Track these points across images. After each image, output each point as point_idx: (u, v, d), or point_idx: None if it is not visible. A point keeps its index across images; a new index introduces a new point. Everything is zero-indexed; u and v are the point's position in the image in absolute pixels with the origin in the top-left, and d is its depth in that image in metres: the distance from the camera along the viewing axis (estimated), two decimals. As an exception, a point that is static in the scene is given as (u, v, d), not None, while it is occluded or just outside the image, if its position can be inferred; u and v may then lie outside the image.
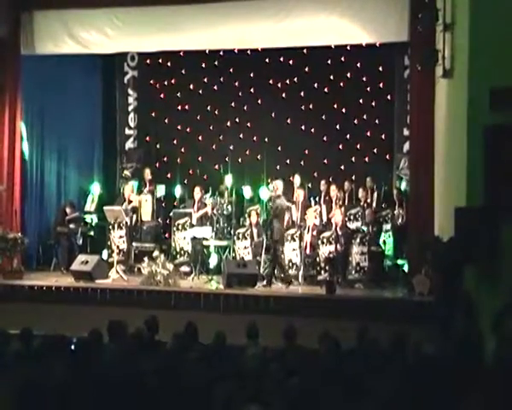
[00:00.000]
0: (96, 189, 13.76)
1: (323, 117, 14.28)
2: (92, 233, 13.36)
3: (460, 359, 4.87)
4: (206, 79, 14.76)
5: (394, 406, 4.28)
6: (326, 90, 14.24)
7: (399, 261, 11.73)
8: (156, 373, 4.97)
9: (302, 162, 14.24)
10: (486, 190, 8.37)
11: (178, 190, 13.68)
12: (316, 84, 14.24)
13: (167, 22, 12.01)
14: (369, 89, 14.08)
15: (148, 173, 13.71)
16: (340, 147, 14.28)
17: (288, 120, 14.40)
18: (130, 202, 13.00)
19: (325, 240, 11.76)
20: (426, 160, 10.76)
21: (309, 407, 4.17)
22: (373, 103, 14.07)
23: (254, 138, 14.62)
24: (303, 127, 14.32)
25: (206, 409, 4.38)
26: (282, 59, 14.20)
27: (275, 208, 11.64)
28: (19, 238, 12.20)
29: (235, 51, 13.30)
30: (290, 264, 11.85)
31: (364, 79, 14.05)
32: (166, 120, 15.09)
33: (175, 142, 15.06)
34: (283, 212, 11.76)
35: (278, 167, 14.22)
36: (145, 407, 4.61)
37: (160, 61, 14.76)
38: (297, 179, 13.07)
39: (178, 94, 15.00)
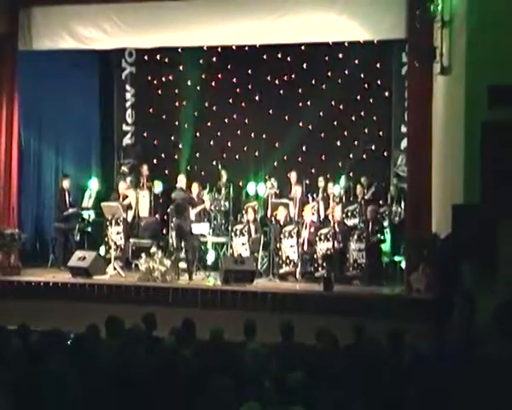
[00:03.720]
0: (94, 184, 13.75)
1: (321, 114, 14.27)
2: (89, 229, 13.36)
3: (458, 356, 4.88)
4: (203, 76, 14.74)
5: (390, 404, 4.29)
6: (324, 86, 14.23)
7: (397, 258, 11.74)
8: (153, 369, 4.98)
9: (299, 159, 14.24)
10: (484, 188, 8.37)
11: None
12: (313, 81, 14.23)
13: (165, 18, 11.99)
14: (366, 86, 14.08)
15: (145, 169, 13.74)
16: (338, 143, 14.28)
17: (286, 117, 14.39)
18: (124, 197, 12.99)
19: (323, 237, 11.77)
20: (423, 157, 10.76)
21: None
22: (370, 100, 14.07)
23: (252, 135, 14.61)
24: (300, 124, 14.31)
25: (202, 405, 4.39)
26: (279, 55, 14.20)
27: (175, 205, 11.66)
28: (16, 234, 12.19)
29: (233, 48, 13.31)
30: (288, 260, 11.86)
31: (362, 75, 14.05)
32: (164, 116, 15.07)
33: (172, 138, 15.05)
34: (184, 207, 11.71)
35: (276, 164, 14.23)
36: (142, 403, 4.61)
37: (158, 57, 14.75)
38: (294, 176, 13.09)
39: (176, 90, 14.98)
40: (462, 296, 6.92)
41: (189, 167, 14.49)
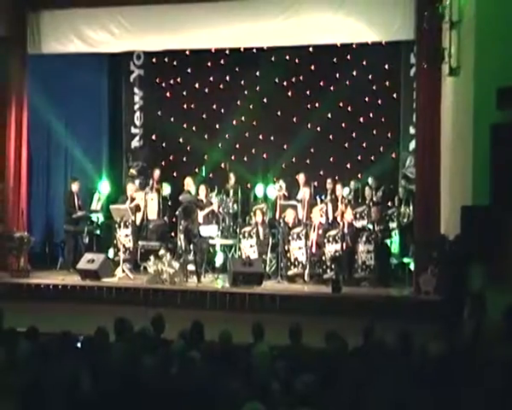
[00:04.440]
0: (104, 187, 13.73)
1: (329, 115, 14.26)
2: (98, 232, 13.38)
3: (468, 358, 4.87)
4: (211, 78, 14.77)
5: (400, 405, 4.27)
6: (332, 88, 14.21)
7: (405, 260, 11.72)
8: (162, 371, 4.98)
9: (308, 161, 14.23)
10: (493, 189, 8.35)
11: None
12: (321, 83, 14.23)
13: (173, 21, 12.02)
14: (374, 87, 14.06)
15: (157, 173, 13.74)
16: (346, 145, 14.26)
17: (294, 119, 14.39)
18: (132, 200, 13.03)
19: (331, 238, 11.76)
20: (432, 158, 10.74)
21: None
22: (379, 102, 14.05)
23: (260, 137, 14.61)
24: (309, 126, 14.30)
25: (211, 408, 4.39)
26: (287, 57, 14.20)
27: (183, 208, 11.68)
28: (25, 237, 12.24)
29: (241, 50, 13.31)
30: (296, 262, 11.85)
31: (370, 77, 14.03)
32: (172, 119, 15.09)
33: (181, 140, 15.07)
34: (192, 210, 11.71)
35: (284, 166, 14.23)
36: (151, 405, 4.62)
37: (166, 59, 14.76)
38: (302, 178, 13.09)
39: (184, 93, 15.01)
40: (472, 298, 6.90)
41: (197, 170, 14.49)
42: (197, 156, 14.74)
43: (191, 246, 11.86)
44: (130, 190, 13.13)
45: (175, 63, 14.87)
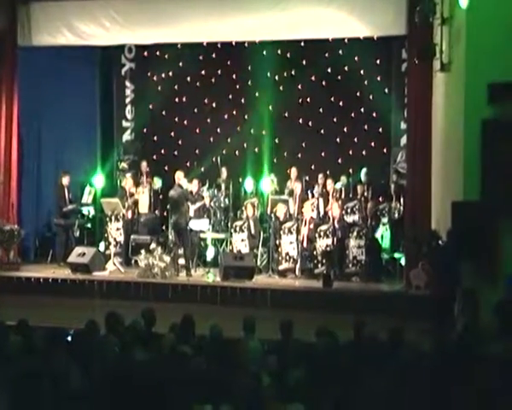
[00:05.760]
0: (98, 181, 13.62)
1: (321, 110, 14.26)
2: (89, 225, 13.35)
3: (458, 353, 4.88)
4: (203, 72, 14.73)
5: (390, 400, 4.29)
6: (323, 83, 14.22)
7: (396, 255, 11.75)
8: (153, 365, 4.98)
9: (299, 155, 14.23)
10: (483, 185, 8.38)
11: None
12: (313, 77, 14.21)
13: (165, 14, 11.99)
14: (366, 82, 14.04)
15: (144, 166, 13.72)
16: (338, 140, 14.27)
17: (286, 113, 14.37)
18: (131, 195, 13.02)
19: (322, 233, 11.77)
20: (423, 153, 10.76)
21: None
22: (370, 97, 14.03)
23: (251, 131, 14.59)
24: (300, 120, 14.30)
25: (202, 401, 4.39)
26: (279, 52, 14.17)
27: (173, 201, 11.69)
28: (15, 230, 12.20)
29: (233, 44, 13.28)
30: (287, 257, 11.86)
31: (362, 72, 14.02)
32: (164, 113, 15.06)
33: (172, 134, 15.04)
34: (181, 203, 11.71)
35: (275, 160, 14.22)
36: (141, 399, 4.62)
37: (158, 53, 14.71)
38: (294, 172, 13.09)
39: (176, 86, 14.96)
40: (463, 294, 6.92)
41: (188, 164, 14.46)
42: (188, 150, 14.72)
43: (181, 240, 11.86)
44: (129, 184, 13.11)
45: (166, 57, 14.81)
